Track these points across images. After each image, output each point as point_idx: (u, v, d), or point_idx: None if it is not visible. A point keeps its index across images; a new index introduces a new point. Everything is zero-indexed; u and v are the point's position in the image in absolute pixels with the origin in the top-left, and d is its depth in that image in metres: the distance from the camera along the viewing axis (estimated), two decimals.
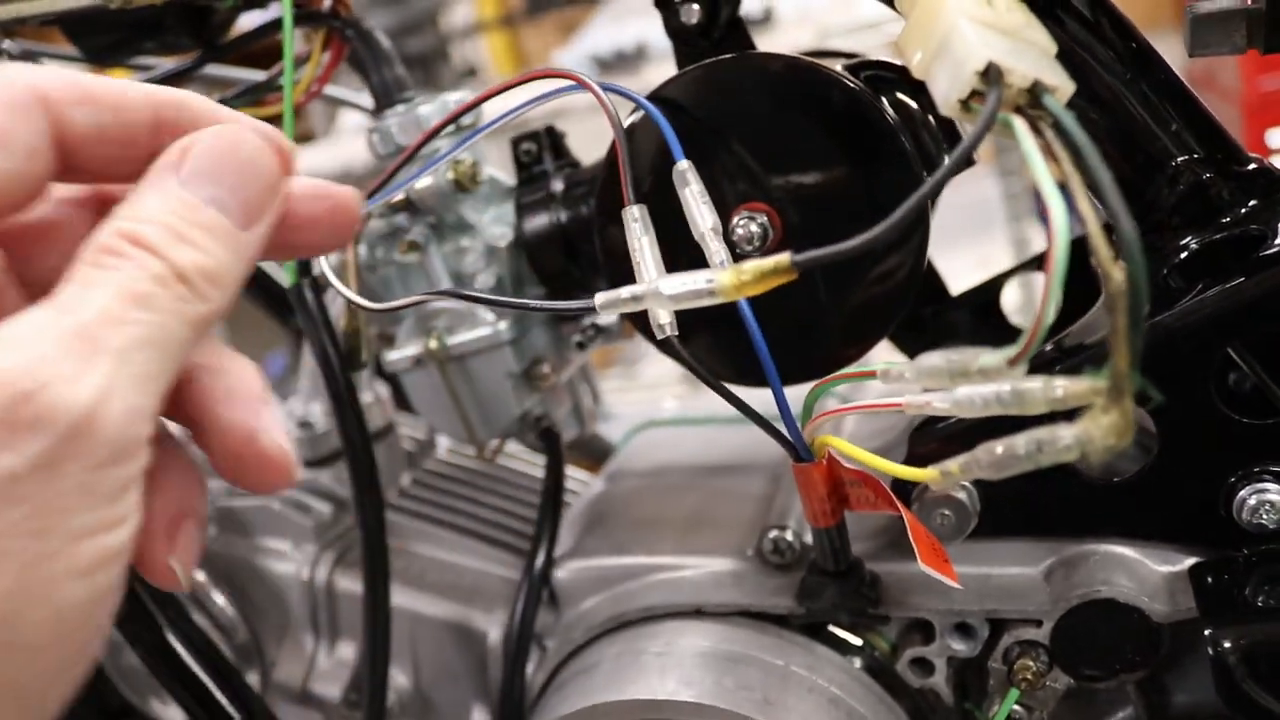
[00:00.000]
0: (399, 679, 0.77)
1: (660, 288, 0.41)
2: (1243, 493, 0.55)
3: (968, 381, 0.41)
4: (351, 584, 0.77)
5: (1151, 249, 0.62)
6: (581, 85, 0.56)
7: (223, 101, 0.79)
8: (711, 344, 0.62)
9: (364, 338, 0.71)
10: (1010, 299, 0.77)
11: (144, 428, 0.34)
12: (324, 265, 0.64)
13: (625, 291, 0.42)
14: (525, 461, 0.89)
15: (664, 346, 0.54)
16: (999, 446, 0.41)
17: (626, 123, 0.61)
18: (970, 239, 2.42)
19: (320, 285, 0.70)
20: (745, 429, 0.81)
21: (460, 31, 3.56)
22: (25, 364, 0.31)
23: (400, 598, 0.75)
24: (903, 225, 0.39)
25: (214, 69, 0.83)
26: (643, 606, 0.65)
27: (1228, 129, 0.67)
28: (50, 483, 0.32)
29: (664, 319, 0.50)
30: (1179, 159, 0.60)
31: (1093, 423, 0.39)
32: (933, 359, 0.42)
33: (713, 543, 0.67)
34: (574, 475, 0.88)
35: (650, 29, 2.41)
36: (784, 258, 0.38)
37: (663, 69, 2.66)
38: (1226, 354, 0.55)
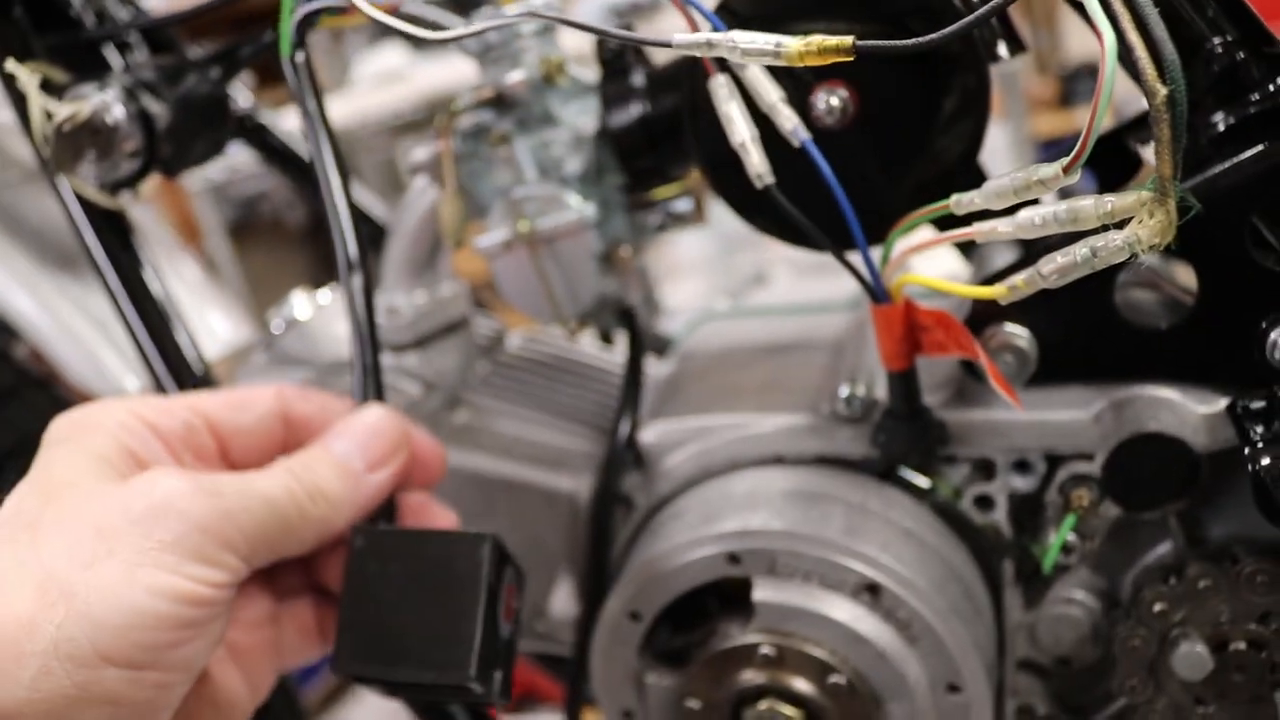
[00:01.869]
0: None
1: (734, 38, 0.47)
2: (1274, 335, 0.61)
3: (1032, 193, 0.47)
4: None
5: (1189, 125, 0.68)
6: None
7: (313, 14, 0.84)
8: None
9: (462, 221, 0.77)
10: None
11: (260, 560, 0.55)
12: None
13: (702, 36, 0.48)
14: (594, 355, 0.95)
15: (762, 197, 0.59)
16: (1059, 256, 0.48)
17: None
18: None
19: (310, 62, 0.72)
20: (797, 319, 0.88)
21: None
22: (177, 486, 0.52)
23: (487, 466, 0.81)
24: (960, 33, 0.45)
25: None
26: (727, 458, 0.72)
27: None
28: (186, 534, 0.51)
29: (760, 167, 0.56)
30: (1214, 41, 0.66)
31: (1141, 226, 0.45)
32: (999, 181, 0.48)
33: (787, 401, 0.73)
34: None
35: None
36: (846, 39, 0.44)
37: (674, 18, 2.70)
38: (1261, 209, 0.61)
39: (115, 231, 0.82)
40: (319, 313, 0.97)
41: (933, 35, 0.45)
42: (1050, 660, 0.73)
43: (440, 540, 0.60)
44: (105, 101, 0.76)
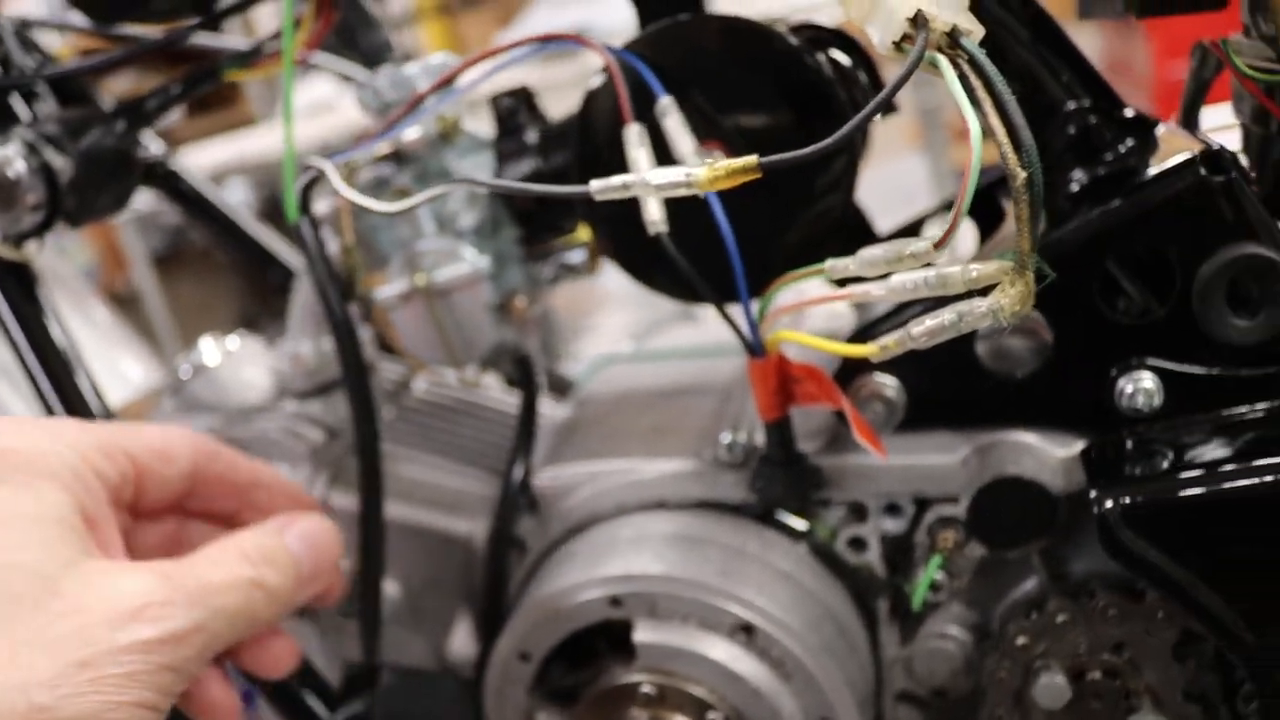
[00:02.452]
0: (388, 588, 0.85)
1: (649, 178, 0.50)
2: (1121, 382, 0.65)
3: (901, 267, 0.51)
4: (345, 501, 0.84)
5: (1048, 183, 0.72)
6: (575, 40, 0.65)
7: (218, 66, 0.86)
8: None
9: (359, 272, 0.79)
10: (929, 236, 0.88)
11: (201, 668, 0.54)
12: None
13: (618, 180, 0.51)
14: (495, 399, 0.98)
15: (653, 244, 0.62)
16: (928, 319, 0.51)
17: (593, 81, 0.70)
18: (898, 212, 2.54)
19: (316, 223, 0.77)
20: (696, 363, 0.91)
21: (398, 19, 3.61)
22: (158, 588, 0.52)
23: (390, 510, 0.83)
24: (845, 142, 0.49)
25: (203, 37, 0.90)
26: (615, 503, 0.74)
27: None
28: (140, 662, 0.49)
29: (655, 215, 0.59)
30: (1069, 105, 0.70)
31: (1002, 294, 0.49)
32: (873, 250, 0.52)
33: (673, 447, 0.76)
34: (542, 409, 0.96)
35: (591, 13, 2.50)
36: (751, 159, 0.47)
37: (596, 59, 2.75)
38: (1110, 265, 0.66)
39: (18, 282, 0.83)
40: (227, 359, 0.98)
41: (827, 141, 0.49)
42: (927, 692, 0.76)
43: None
44: (6, 156, 0.78)
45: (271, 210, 3.45)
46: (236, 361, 0.98)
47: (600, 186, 0.53)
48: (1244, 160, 0.75)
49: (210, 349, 0.99)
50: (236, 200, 3.31)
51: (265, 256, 1.10)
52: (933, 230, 0.87)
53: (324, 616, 0.86)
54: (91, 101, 0.92)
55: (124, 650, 0.49)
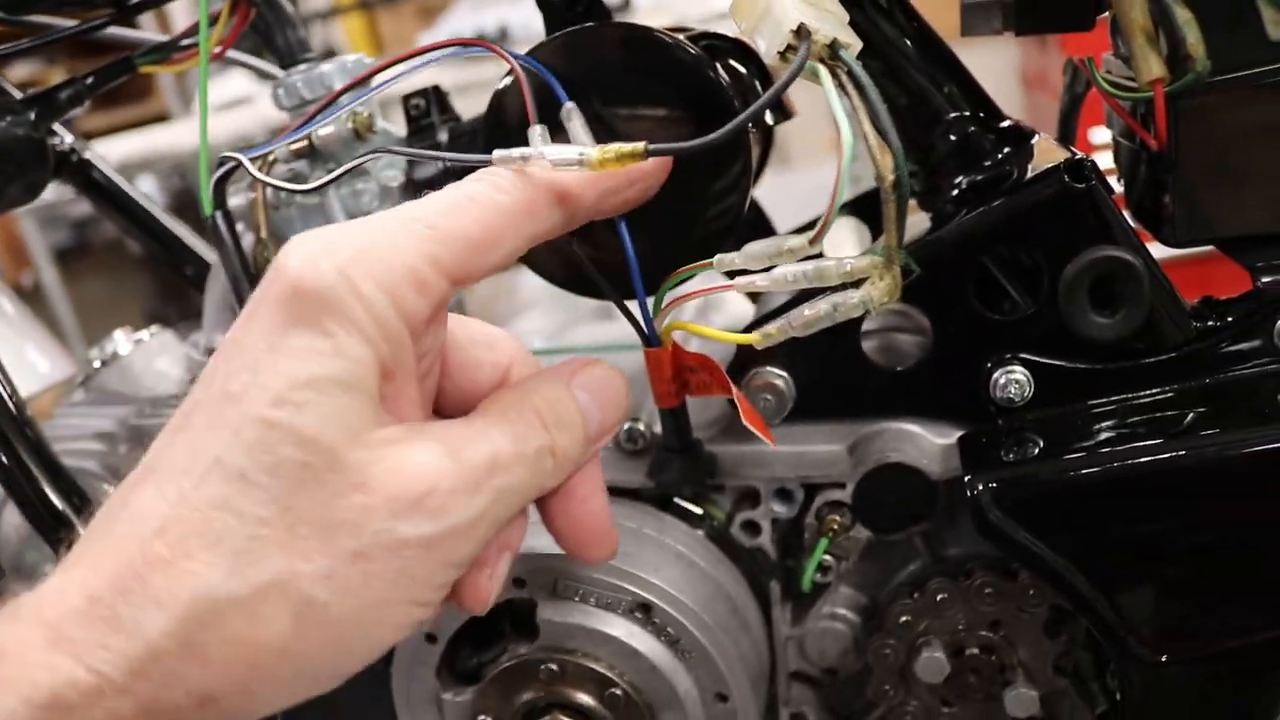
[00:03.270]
0: None
1: (545, 153, 0.53)
2: (996, 375, 0.70)
3: (782, 261, 0.55)
4: None
5: (931, 187, 0.77)
6: (483, 46, 0.67)
7: (132, 59, 0.87)
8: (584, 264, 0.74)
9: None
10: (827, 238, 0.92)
11: (480, 550, 0.49)
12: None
13: (516, 152, 0.54)
14: None
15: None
16: (807, 309, 0.55)
17: (501, 83, 0.73)
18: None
19: (231, 218, 0.79)
20: (601, 356, 0.94)
21: (318, 14, 3.60)
22: (443, 468, 0.46)
23: None
24: (732, 135, 0.52)
25: (118, 30, 0.91)
26: None
27: (1055, 125, 0.83)
28: (418, 559, 0.45)
29: None
30: (951, 115, 0.75)
31: (873, 287, 0.53)
32: (756, 245, 0.55)
33: None
34: None
35: (511, 13, 2.52)
36: (639, 145, 0.51)
37: (523, 50, 2.78)
38: (985, 264, 0.70)
39: None
40: (139, 349, 0.99)
41: (712, 136, 0.52)
42: (818, 671, 0.80)
43: None
44: None
45: (181, 205, 3.42)
46: (149, 352, 0.99)
47: (501, 156, 0.56)
48: (1117, 171, 0.81)
49: (122, 340, 0.99)
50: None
51: (180, 249, 1.10)
52: (833, 231, 0.92)
53: None
54: (4, 92, 0.92)
55: (402, 545, 0.44)
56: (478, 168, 0.55)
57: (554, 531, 0.57)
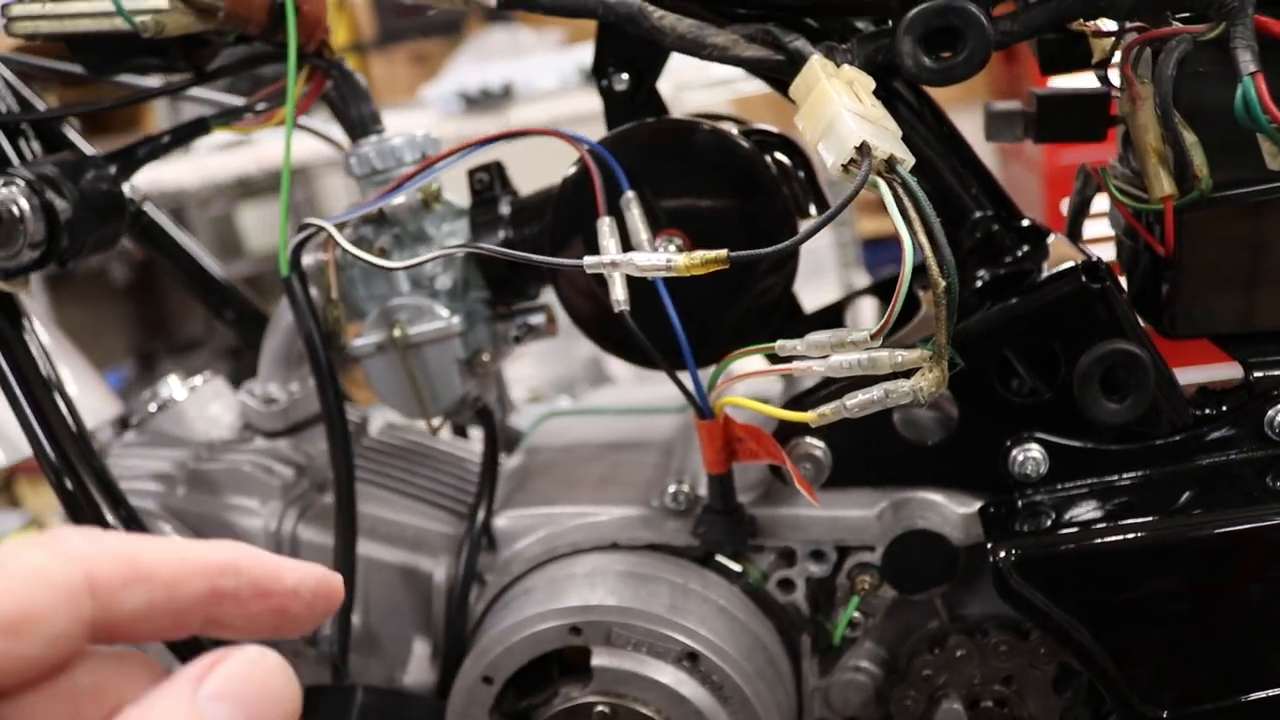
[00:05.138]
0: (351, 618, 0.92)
1: (634, 259, 0.59)
2: (1014, 452, 0.77)
3: (840, 351, 0.61)
4: (313, 535, 0.91)
5: (960, 280, 0.84)
6: (556, 135, 0.74)
7: (207, 120, 0.93)
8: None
9: (342, 324, 0.87)
10: (854, 317, 0.99)
11: None
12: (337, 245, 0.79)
13: (608, 257, 0.60)
14: (448, 444, 1.05)
15: (618, 320, 0.71)
16: (860, 394, 0.61)
17: (573, 168, 0.80)
18: (807, 279, 2.70)
19: (305, 279, 0.85)
20: (633, 419, 1.01)
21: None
22: None
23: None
24: (805, 240, 0.59)
25: (198, 90, 0.97)
26: (570, 543, 0.83)
27: (1032, 195, 0.90)
28: None
29: (620, 295, 0.68)
30: (976, 214, 0.82)
31: (923, 379, 0.59)
32: (819, 335, 0.62)
33: (622, 495, 0.85)
34: None
35: (515, 70, 2.60)
36: (722, 253, 0.57)
37: (528, 108, 2.86)
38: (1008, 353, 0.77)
39: (4, 313, 0.88)
40: (193, 394, 1.04)
41: (788, 243, 0.59)
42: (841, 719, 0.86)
43: None
44: (11, 194, 0.83)
45: None
46: (202, 398, 1.04)
47: (592, 262, 0.63)
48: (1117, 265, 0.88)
49: (177, 385, 1.04)
50: None
51: (224, 294, 1.15)
52: (856, 313, 0.99)
53: (284, 644, 0.93)
54: (72, 146, 0.98)
55: None
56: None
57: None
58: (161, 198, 3.10)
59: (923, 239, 0.60)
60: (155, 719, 0.34)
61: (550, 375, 2.61)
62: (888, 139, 0.64)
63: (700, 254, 0.60)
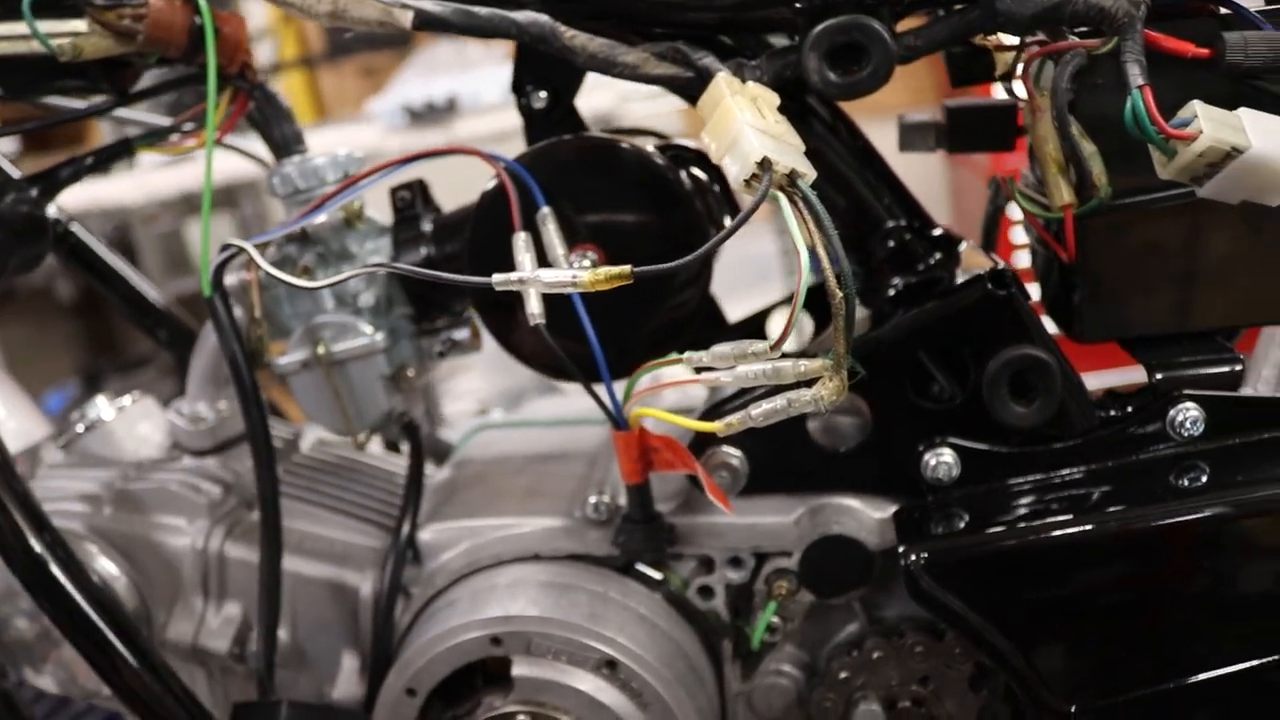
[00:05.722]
0: (278, 634, 0.92)
1: (541, 276, 0.61)
2: (927, 456, 0.78)
3: (745, 362, 0.63)
4: (241, 552, 0.91)
5: (870, 288, 0.86)
6: (473, 153, 0.75)
7: (131, 141, 0.94)
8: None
9: (265, 342, 0.87)
10: (772, 326, 1.01)
11: None
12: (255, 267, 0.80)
13: (515, 275, 0.61)
14: (377, 459, 1.06)
15: (533, 333, 0.72)
16: (765, 404, 0.63)
17: (490, 183, 0.81)
18: (752, 286, 2.72)
19: (228, 300, 0.85)
20: (561, 430, 1.02)
21: (259, 71, 3.62)
22: None
23: (282, 562, 0.90)
24: (706, 257, 0.60)
25: (122, 112, 0.97)
26: (493, 554, 0.84)
27: (979, 199, 0.92)
28: None
29: (535, 308, 0.69)
30: (889, 224, 0.84)
31: (824, 388, 0.61)
32: (722, 347, 0.63)
33: (545, 507, 0.86)
34: None
35: (460, 84, 2.60)
36: (625, 268, 0.58)
37: (472, 122, 2.86)
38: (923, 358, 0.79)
39: None
40: (121, 414, 1.04)
41: (692, 256, 0.60)
42: None
43: None
44: None
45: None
46: (131, 418, 1.04)
47: (500, 280, 0.64)
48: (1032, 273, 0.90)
49: (104, 405, 1.04)
50: None
51: (156, 315, 1.15)
52: (773, 322, 1.01)
53: (217, 661, 0.93)
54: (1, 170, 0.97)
55: None
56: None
57: None
58: (105, 215, 3.07)
59: (821, 253, 0.61)
60: None
61: (499, 388, 2.62)
62: (790, 154, 0.65)
63: (605, 270, 0.61)
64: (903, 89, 0.96)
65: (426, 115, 2.55)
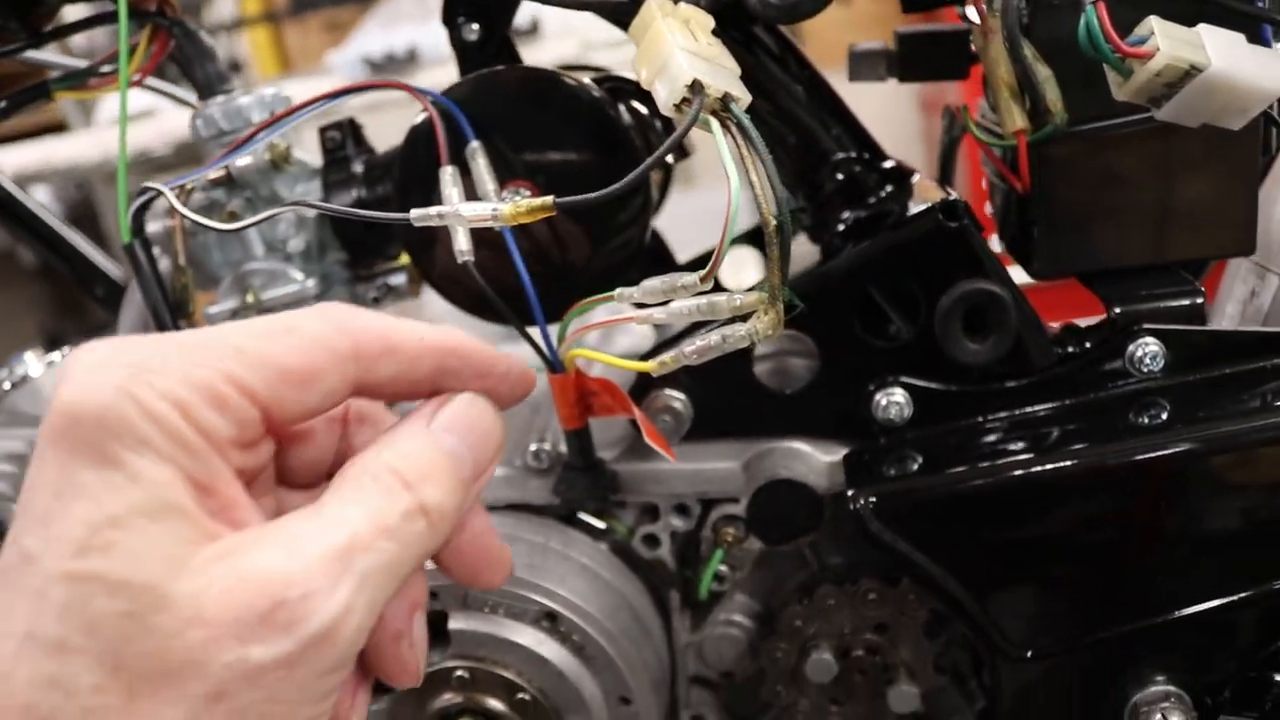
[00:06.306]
0: None
1: (461, 210, 0.57)
2: (878, 396, 0.76)
3: (677, 296, 0.59)
4: None
5: (821, 221, 0.83)
6: (398, 87, 0.71)
7: (48, 84, 0.89)
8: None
9: (191, 290, 0.83)
10: (731, 267, 0.98)
11: (363, 641, 0.41)
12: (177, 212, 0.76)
13: (434, 210, 0.58)
14: None
15: (461, 271, 0.69)
16: (699, 340, 0.59)
17: (420, 117, 0.77)
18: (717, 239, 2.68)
19: (149, 245, 0.81)
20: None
21: (223, 26, 3.56)
22: (288, 572, 0.38)
23: None
24: (633, 186, 0.57)
25: (36, 54, 0.93)
26: None
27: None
28: (285, 679, 0.38)
29: (464, 245, 0.66)
30: (838, 155, 0.81)
31: (759, 321, 0.58)
32: (652, 281, 0.60)
33: None
34: None
35: (421, 34, 2.54)
36: (548, 199, 0.55)
37: (433, 72, 2.81)
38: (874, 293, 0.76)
39: None
40: (49, 370, 1.00)
41: (613, 187, 0.57)
42: (716, 674, 0.85)
43: None
44: None
45: (78, 217, 3.35)
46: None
47: (419, 215, 0.60)
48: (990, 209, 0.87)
49: (33, 361, 1.00)
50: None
51: (89, 270, 1.11)
52: (737, 260, 0.98)
53: None
54: None
55: (260, 672, 0.37)
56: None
57: (444, 567, 0.50)
58: (63, 175, 3.01)
59: (755, 178, 0.58)
60: (400, 444, 0.45)
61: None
62: (723, 76, 0.62)
63: (526, 202, 0.58)
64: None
65: (387, 66, 2.50)
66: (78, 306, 4.02)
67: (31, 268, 3.86)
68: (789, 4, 0.69)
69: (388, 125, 0.90)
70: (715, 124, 0.59)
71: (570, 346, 0.71)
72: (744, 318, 0.60)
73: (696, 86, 0.59)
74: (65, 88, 0.92)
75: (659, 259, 0.94)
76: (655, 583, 0.81)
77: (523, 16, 2.81)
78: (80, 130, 3.13)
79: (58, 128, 3.44)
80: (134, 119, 2.88)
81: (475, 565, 0.51)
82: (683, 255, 0.97)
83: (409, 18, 2.84)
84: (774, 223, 0.57)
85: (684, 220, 1.11)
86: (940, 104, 2.98)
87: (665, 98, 0.60)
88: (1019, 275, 0.82)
